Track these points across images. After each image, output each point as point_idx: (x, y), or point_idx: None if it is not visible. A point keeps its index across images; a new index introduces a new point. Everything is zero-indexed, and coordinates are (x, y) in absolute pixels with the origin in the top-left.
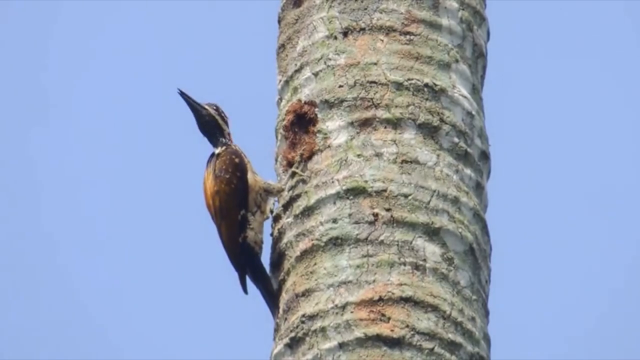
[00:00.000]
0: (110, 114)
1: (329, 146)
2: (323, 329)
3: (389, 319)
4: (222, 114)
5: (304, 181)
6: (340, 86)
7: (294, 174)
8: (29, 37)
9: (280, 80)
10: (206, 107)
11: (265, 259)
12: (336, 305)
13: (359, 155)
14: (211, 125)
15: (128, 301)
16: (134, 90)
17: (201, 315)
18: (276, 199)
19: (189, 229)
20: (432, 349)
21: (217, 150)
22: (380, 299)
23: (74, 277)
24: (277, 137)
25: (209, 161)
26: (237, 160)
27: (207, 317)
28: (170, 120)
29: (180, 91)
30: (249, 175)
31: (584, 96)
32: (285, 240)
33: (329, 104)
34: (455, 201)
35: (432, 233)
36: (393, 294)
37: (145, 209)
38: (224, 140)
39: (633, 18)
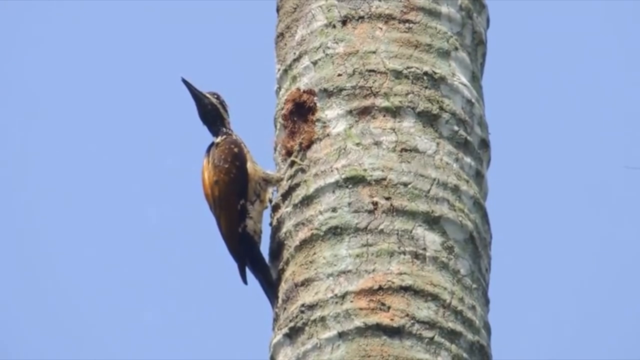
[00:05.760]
0: (107, 106)
1: (328, 135)
2: (322, 319)
3: (389, 308)
4: (223, 103)
5: (303, 170)
6: (339, 75)
7: (292, 163)
8: (25, 35)
9: (279, 69)
10: (208, 95)
11: (265, 248)
12: (336, 295)
13: (358, 144)
14: (213, 114)
15: (126, 300)
16: (131, 83)
17: (200, 307)
18: (275, 188)
19: (187, 222)
20: (432, 338)
21: (217, 140)
22: (380, 288)
23: (72, 275)
24: (276, 126)
25: (208, 150)
26: (236, 149)
27: (206, 308)
28: (169, 110)
29: (184, 79)
30: (249, 165)
31: (585, 84)
32: (284, 229)
33: (328, 93)
34: (455, 189)
35: (432, 222)
36: (393, 283)
37: (142, 204)
38: (224, 129)
39: (634, 3)
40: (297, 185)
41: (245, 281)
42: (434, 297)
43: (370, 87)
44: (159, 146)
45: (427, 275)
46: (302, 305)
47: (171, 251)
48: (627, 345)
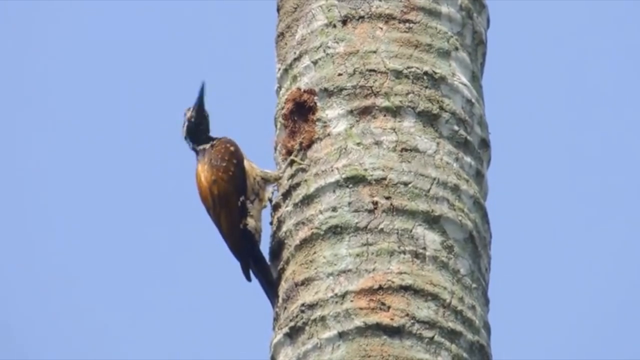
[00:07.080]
0: (104, 104)
1: (328, 134)
2: (323, 318)
3: (389, 307)
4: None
5: (303, 170)
6: (340, 74)
7: (292, 162)
8: (24, 35)
9: (279, 69)
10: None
11: (265, 248)
12: (336, 294)
13: (358, 144)
14: (206, 124)
15: (126, 299)
16: (128, 81)
17: (199, 306)
18: (275, 187)
19: (186, 224)
20: (432, 338)
21: (206, 146)
22: (380, 288)
23: (70, 275)
24: (276, 126)
25: (199, 156)
26: (232, 148)
27: (206, 308)
28: (164, 112)
29: (203, 85)
30: (245, 163)
31: (585, 84)
32: (284, 229)
33: (329, 92)
34: (455, 189)
35: (432, 221)
36: (393, 282)
37: (139, 205)
38: (210, 137)
39: (634, 3)
40: (298, 184)
41: (248, 278)
42: (434, 297)
43: (371, 87)
44: (152, 144)
45: (427, 274)
46: (303, 304)
47: (168, 252)
48: (628, 345)
